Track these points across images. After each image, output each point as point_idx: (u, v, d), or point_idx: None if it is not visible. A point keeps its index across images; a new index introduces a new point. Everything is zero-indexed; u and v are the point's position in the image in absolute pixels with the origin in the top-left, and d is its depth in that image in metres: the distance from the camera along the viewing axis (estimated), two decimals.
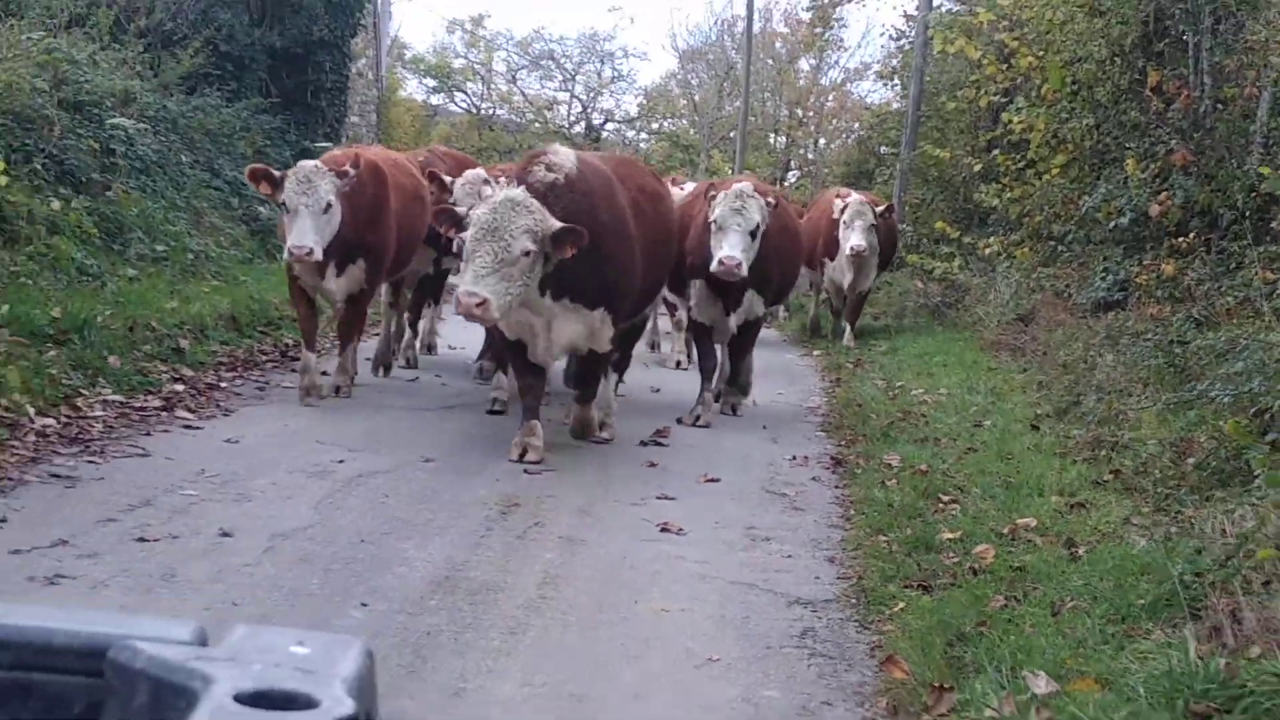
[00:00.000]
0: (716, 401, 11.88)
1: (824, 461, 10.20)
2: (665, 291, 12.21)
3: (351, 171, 10.31)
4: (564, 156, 9.38)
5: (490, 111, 48.14)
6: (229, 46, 19.38)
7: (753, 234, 10.97)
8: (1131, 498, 7.90)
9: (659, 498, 8.53)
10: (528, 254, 8.49)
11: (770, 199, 11.36)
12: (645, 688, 5.36)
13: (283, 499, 7.56)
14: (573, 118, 49.08)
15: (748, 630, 6.18)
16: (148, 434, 8.76)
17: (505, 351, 10.14)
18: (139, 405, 9.36)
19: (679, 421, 11.19)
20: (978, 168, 20.37)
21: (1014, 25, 18.55)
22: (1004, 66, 18.90)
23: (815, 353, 17.94)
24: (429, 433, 9.87)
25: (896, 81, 30.06)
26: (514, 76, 48.56)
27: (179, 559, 6.30)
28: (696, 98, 49.45)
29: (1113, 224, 14.55)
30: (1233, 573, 5.90)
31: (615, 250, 9.32)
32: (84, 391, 9.10)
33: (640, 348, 15.35)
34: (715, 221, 10.95)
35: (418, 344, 13.64)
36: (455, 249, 9.23)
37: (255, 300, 13.43)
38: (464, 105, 47.85)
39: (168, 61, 17.83)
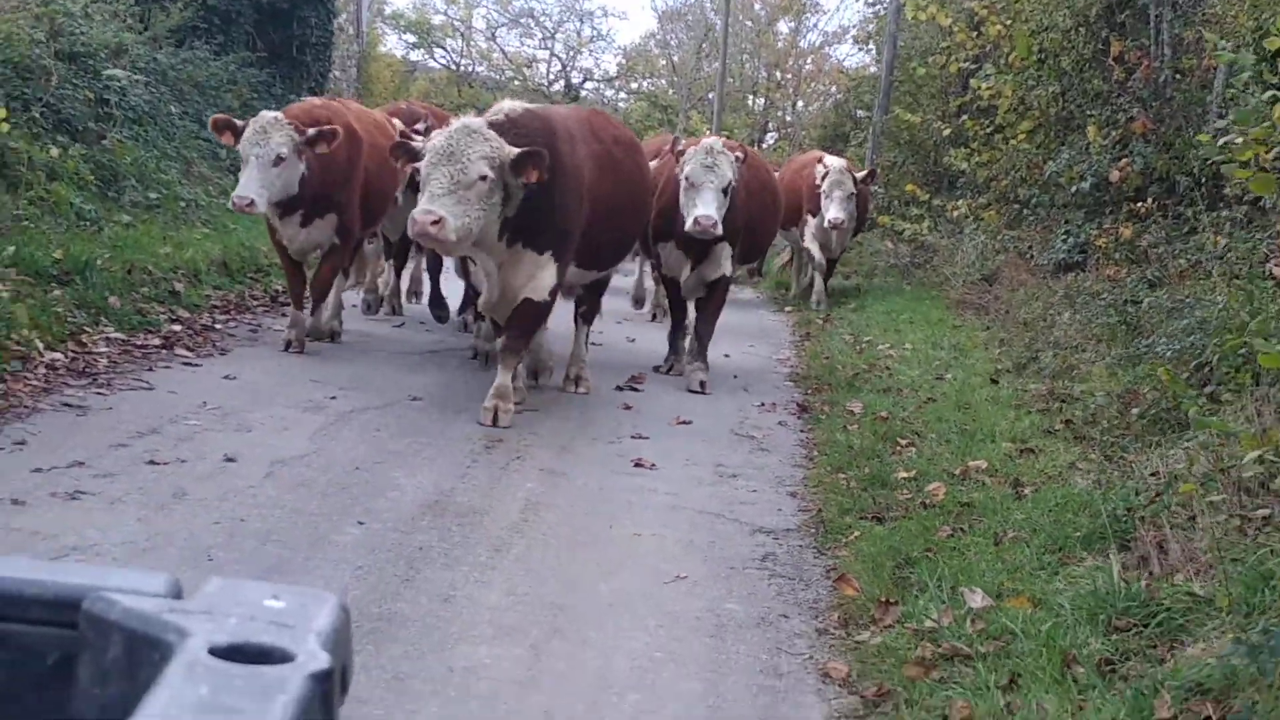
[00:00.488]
0: (687, 356, 11.64)
1: (790, 408, 10.73)
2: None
3: (311, 132, 10.14)
4: (511, 104, 9.30)
5: (469, 68, 48.26)
6: (216, 0, 19.66)
7: (725, 190, 10.79)
8: (1080, 445, 8.40)
9: (633, 437, 9.04)
10: (484, 179, 8.33)
11: (739, 154, 11.13)
12: (619, 600, 5.89)
13: (280, 430, 8.06)
14: (552, 76, 49.29)
15: (713, 554, 6.72)
16: (150, 370, 9.22)
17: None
18: (140, 343, 9.81)
19: (655, 370, 11.62)
20: (947, 132, 20.77)
21: None
22: (974, 34, 19.23)
23: (787, 309, 18.44)
24: (416, 374, 10.33)
25: (872, 46, 30.43)
26: (493, 34, 48.69)
27: (188, 480, 6.79)
28: (675, 58, 49.58)
29: (1075, 188, 15.00)
30: (1161, 508, 6.44)
31: (565, 194, 9.10)
32: (88, 329, 9.54)
33: (625, 305, 15.82)
34: (687, 179, 10.80)
35: (404, 292, 13.98)
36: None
37: (245, 247, 13.82)
38: (443, 61, 48.01)
39: (157, 14, 18.06)
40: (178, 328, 10.59)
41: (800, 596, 6.20)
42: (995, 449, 8.43)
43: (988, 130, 18.69)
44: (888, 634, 5.55)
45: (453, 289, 12.84)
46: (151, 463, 7.02)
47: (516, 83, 46.34)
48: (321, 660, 0.87)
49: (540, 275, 9.14)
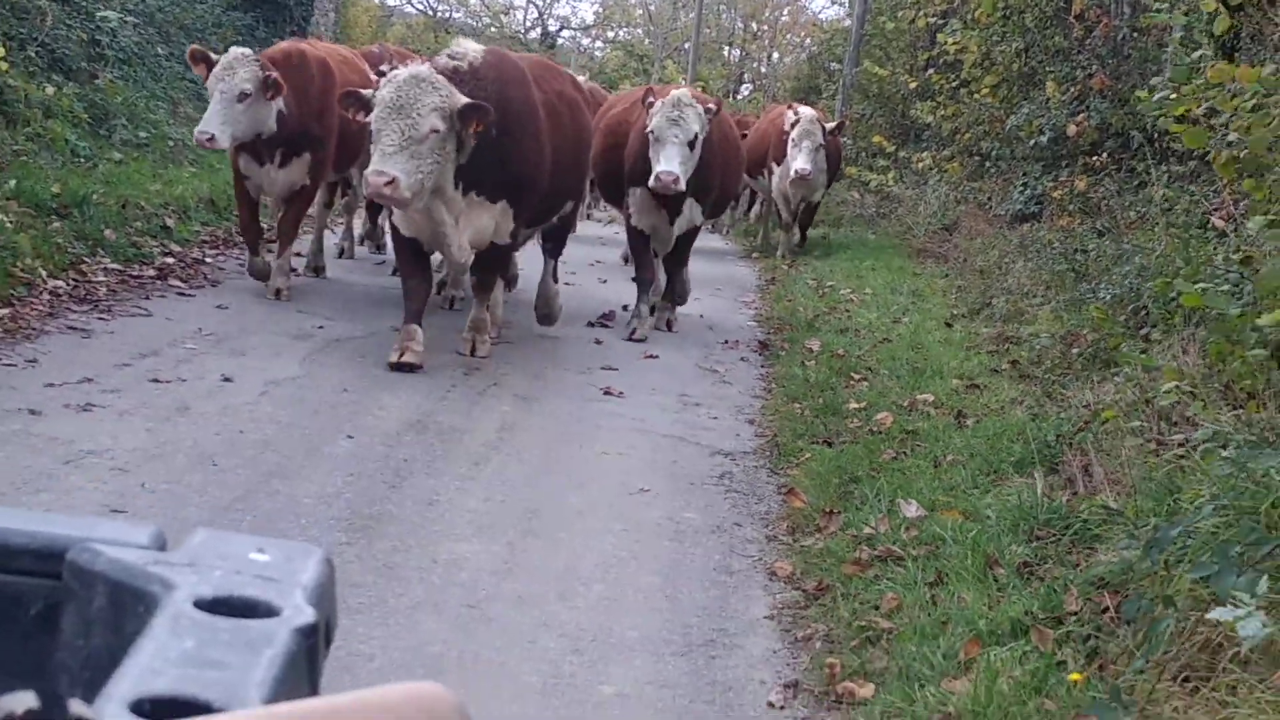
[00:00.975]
0: (651, 315, 11.49)
1: (752, 345, 11.31)
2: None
3: (274, 74, 9.97)
4: (468, 46, 9.09)
5: (446, 15, 48.52)
6: None
7: (691, 144, 10.55)
8: (1024, 383, 8.97)
9: (603, 368, 9.59)
10: (436, 131, 8.13)
11: (710, 105, 10.93)
12: (587, 508, 6.47)
13: (272, 354, 8.60)
14: (528, 23, 49.57)
15: (675, 471, 7.30)
16: (147, 298, 9.73)
17: (397, 250, 9.70)
18: (136, 274, 10.31)
19: (624, 309, 12.05)
20: (914, 86, 21.32)
21: None
22: None
23: (754, 255, 18.96)
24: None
25: None
26: None
27: (189, 397, 7.34)
28: (652, 7, 49.91)
29: (1033, 142, 15.56)
30: (1088, 436, 7.02)
31: (521, 141, 8.91)
32: (86, 260, 10.03)
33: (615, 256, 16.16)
34: (652, 133, 10.56)
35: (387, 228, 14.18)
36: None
37: (231, 186, 14.26)
38: (420, 7, 48.31)
39: None
40: (170, 260, 11.08)
41: (753, 509, 6.78)
42: (944, 385, 8.98)
43: (953, 85, 19.23)
44: (830, 540, 6.13)
45: None
46: (154, 380, 7.56)
47: (493, 30, 46.64)
48: (307, 614, 0.86)
49: (501, 221, 9.12)
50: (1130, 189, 13.03)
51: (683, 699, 4.55)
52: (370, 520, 5.85)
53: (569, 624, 5.03)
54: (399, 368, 8.67)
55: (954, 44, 18.39)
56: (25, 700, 0.91)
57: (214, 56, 10.07)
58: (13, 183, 10.30)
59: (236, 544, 0.97)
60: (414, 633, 4.75)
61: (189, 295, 10.16)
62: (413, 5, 48.17)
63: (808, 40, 41.81)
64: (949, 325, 11.48)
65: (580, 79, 14.75)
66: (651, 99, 10.93)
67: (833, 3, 37.93)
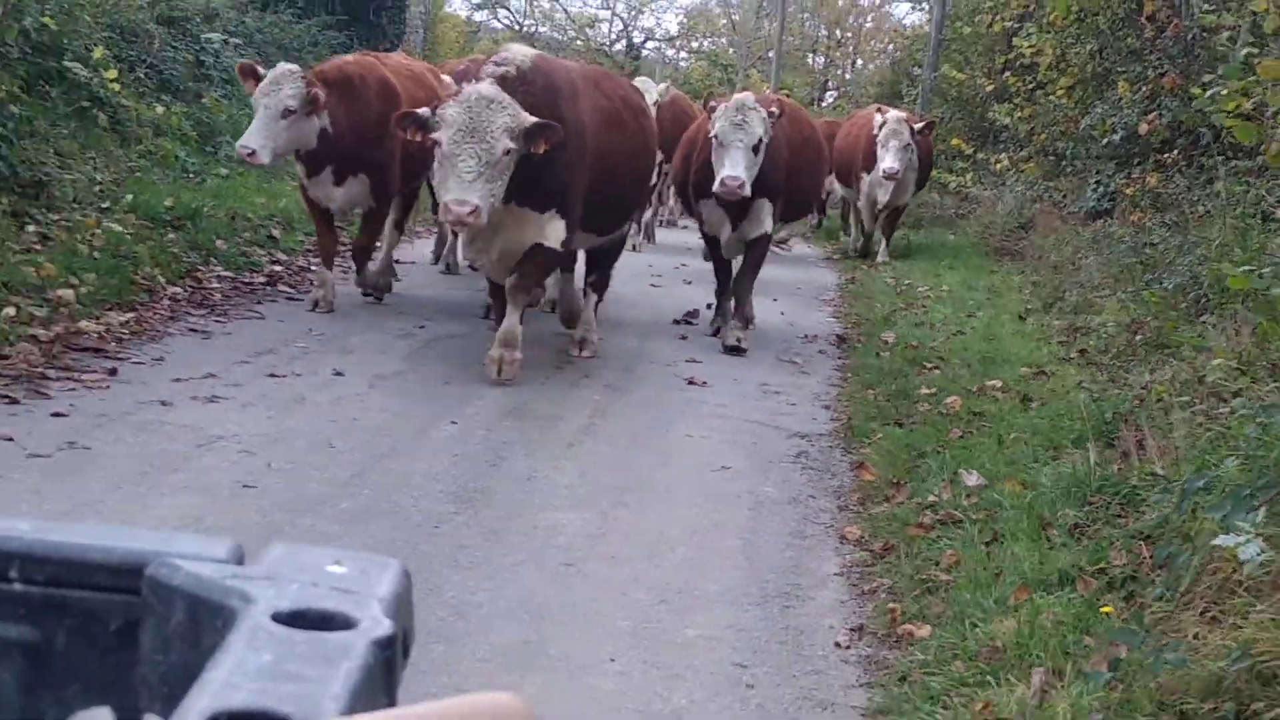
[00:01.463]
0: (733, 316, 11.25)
1: (830, 339, 11.84)
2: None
3: (322, 95, 9.89)
4: (516, 52, 8.85)
5: (533, 29, 49.14)
6: None
7: (755, 149, 10.41)
8: (1089, 370, 9.42)
9: (687, 361, 10.15)
10: (508, 153, 8.04)
11: (774, 109, 10.78)
12: (672, 484, 7.02)
13: (378, 352, 9.23)
14: (613, 35, 50.16)
15: (754, 452, 7.84)
16: (259, 303, 10.43)
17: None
18: (247, 281, 11.02)
19: (707, 307, 12.48)
20: (991, 88, 21.69)
21: None
22: None
23: (834, 256, 19.43)
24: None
25: (925, 4, 31.25)
26: None
27: (304, 389, 7.97)
28: (735, 17, 50.37)
29: (1106, 140, 15.93)
30: (1142, 412, 7.47)
31: (569, 149, 8.59)
32: (200, 268, 10.74)
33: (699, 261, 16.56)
34: (716, 138, 10.47)
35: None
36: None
37: None
38: (507, 21, 48.98)
39: None
40: (278, 267, 11.81)
41: (827, 484, 7.31)
42: (1012, 372, 9.47)
43: (1029, 87, 19.59)
44: (897, 507, 6.65)
45: None
46: (272, 375, 8.20)
47: (579, 42, 47.25)
48: (384, 626, 0.84)
49: (548, 227, 8.82)
50: (1199, 184, 13.37)
51: (759, 639, 5.08)
52: (475, 493, 6.43)
53: (657, 580, 5.58)
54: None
55: (1030, 47, 18.71)
56: (101, 718, 0.92)
57: (261, 71, 10.06)
58: (130, 197, 11.04)
59: (314, 556, 0.93)
60: (518, 586, 5.32)
61: (297, 300, 10.80)
62: (499, 20, 48.97)
63: (890, 46, 42.18)
64: (1022, 319, 11.94)
65: (661, 87, 15.25)
66: (714, 104, 10.86)
67: (914, 9, 38.05)
